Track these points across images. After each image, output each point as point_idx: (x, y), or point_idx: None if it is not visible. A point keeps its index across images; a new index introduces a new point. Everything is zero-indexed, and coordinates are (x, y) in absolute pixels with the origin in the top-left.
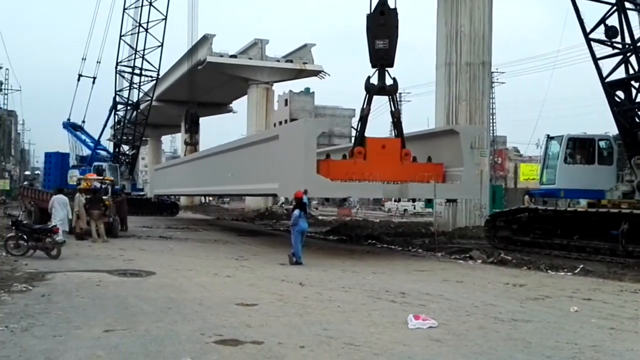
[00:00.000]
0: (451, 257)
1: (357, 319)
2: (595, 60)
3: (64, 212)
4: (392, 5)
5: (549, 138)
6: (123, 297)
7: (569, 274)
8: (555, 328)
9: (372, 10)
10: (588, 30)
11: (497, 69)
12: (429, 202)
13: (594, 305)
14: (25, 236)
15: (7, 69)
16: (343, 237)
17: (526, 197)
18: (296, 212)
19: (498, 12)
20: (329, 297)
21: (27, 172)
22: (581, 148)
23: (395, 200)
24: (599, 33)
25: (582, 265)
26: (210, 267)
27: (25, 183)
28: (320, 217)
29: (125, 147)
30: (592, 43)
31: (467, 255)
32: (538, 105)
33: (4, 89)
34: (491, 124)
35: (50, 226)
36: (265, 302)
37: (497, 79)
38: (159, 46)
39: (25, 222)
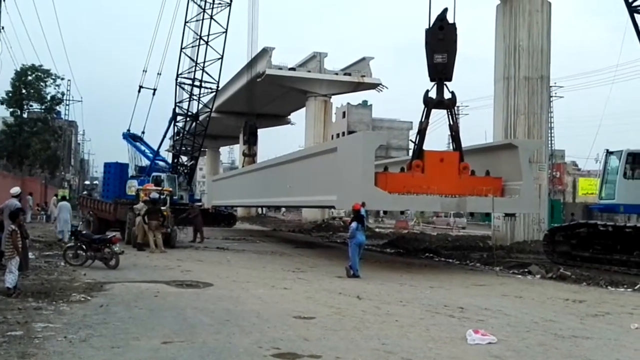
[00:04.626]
0: (509, 272)
1: (415, 333)
2: None
3: (67, 216)
4: (450, 20)
5: (609, 153)
6: (181, 308)
7: (629, 290)
8: (616, 345)
9: (431, 25)
10: None
11: (555, 83)
12: (486, 216)
13: None
14: (84, 246)
15: (69, 80)
16: (400, 250)
17: None
18: (354, 224)
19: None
20: (386, 311)
21: (86, 182)
22: None
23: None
24: None
25: None
26: (268, 279)
27: (84, 193)
28: (377, 230)
29: (184, 158)
30: None
31: (526, 270)
32: (597, 119)
33: (66, 100)
34: (550, 138)
35: (109, 236)
36: (322, 315)
37: (556, 93)
38: (219, 59)
39: (84, 232)
